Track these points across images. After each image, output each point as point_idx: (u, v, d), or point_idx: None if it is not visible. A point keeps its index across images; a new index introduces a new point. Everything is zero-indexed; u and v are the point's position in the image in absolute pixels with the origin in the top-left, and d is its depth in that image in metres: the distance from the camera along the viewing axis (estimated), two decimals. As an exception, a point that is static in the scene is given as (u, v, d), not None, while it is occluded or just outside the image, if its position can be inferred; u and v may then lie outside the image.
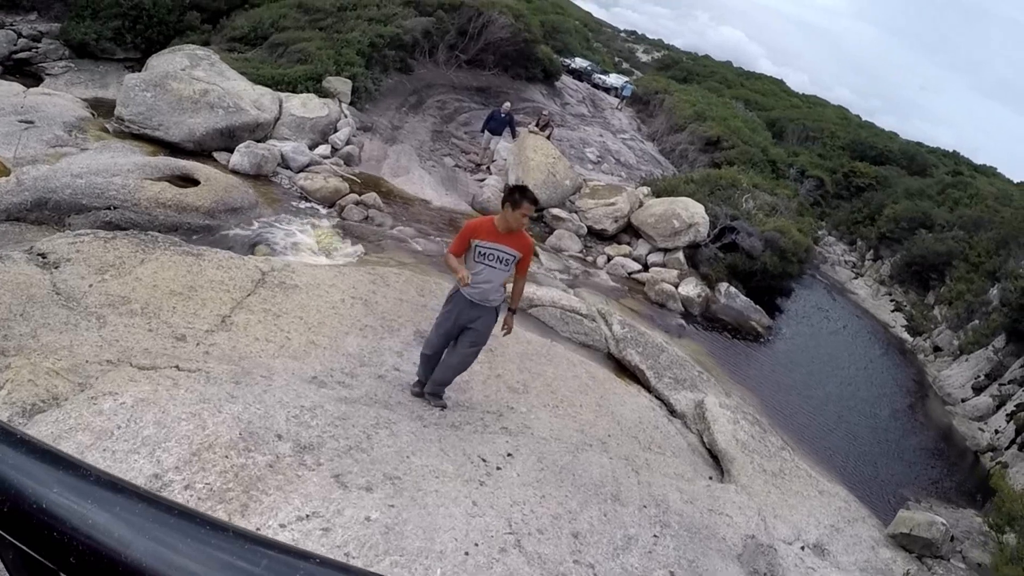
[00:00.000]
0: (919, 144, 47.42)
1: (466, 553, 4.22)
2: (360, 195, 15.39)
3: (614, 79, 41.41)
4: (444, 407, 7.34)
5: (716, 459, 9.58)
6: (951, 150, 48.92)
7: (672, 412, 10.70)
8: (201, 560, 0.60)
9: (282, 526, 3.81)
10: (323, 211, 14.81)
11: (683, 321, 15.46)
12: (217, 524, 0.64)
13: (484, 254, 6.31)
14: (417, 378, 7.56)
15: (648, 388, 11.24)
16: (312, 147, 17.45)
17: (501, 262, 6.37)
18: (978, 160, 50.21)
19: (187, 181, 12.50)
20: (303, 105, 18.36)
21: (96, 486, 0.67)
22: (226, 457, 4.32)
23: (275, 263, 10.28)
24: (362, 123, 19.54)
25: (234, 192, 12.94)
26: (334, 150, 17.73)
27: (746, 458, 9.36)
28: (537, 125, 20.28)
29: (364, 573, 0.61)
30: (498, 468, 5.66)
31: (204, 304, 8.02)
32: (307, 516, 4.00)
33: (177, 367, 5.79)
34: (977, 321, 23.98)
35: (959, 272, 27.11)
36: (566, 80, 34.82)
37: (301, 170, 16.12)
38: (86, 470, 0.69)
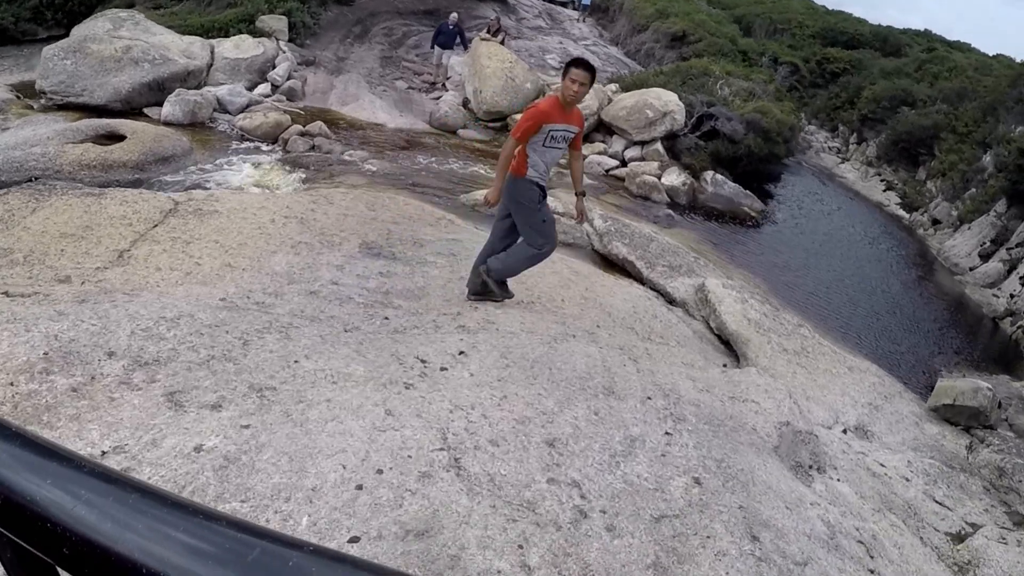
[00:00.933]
0: (890, 27, 45.39)
1: (358, 487, 2.65)
2: (304, 126, 13.80)
3: (571, -8, 39.46)
4: (511, 296, 6.82)
5: (728, 346, 8.11)
6: (923, 29, 47.32)
7: (671, 302, 9.22)
8: (192, 550, 0.58)
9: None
10: (265, 148, 13.30)
11: (671, 212, 13.90)
12: (210, 514, 0.61)
13: (555, 137, 5.95)
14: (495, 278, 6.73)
15: (641, 280, 9.75)
16: (251, 88, 15.94)
17: (565, 141, 6.07)
18: (951, 38, 48.30)
19: (114, 139, 11.38)
20: (236, 47, 16.68)
21: (89, 478, 0.65)
22: (10, 384, 2.80)
23: (194, 194, 8.73)
24: (303, 58, 17.83)
25: (164, 142, 11.68)
26: (275, 88, 16.14)
27: (762, 338, 7.88)
28: (488, 31, 18.51)
29: (359, 561, 0.57)
30: (442, 369, 4.12)
31: (99, 242, 6.70)
32: (104, 452, 2.49)
33: (6, 293, 4.25)
34: (974, 189, 22.75)
35: (948, 144, 25.90)
36: (518, -5, 32.93)
37: (241, 111, 14.53)
38: (79, 462, 0.67)
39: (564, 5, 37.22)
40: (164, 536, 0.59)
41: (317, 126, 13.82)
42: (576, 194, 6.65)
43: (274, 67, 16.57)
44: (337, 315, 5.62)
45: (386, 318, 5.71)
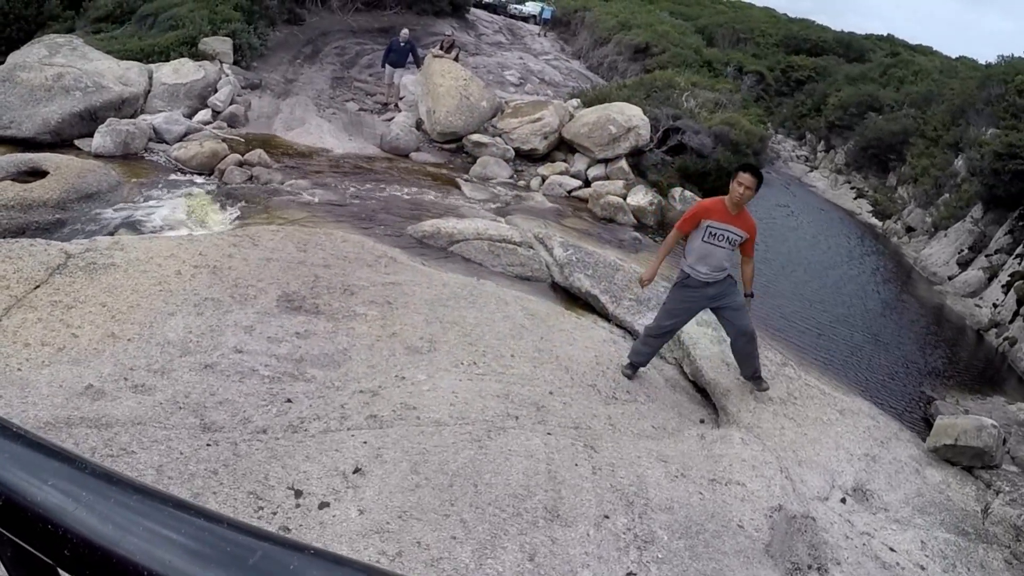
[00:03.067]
0: (852, 33, 44.83)
1: None
2: (243, 155, 12.65)
3: (531, 6, 38.46)
4: (767, 388, 6.96)
5: (705, 394, 7.06)
6: (886, 34, 46.77)
7: (639, 342, 8.16)
8: (194, 553, 0.57)
9: None
10: (200, 180, 12.12)
11: (638, 234, 12.80)
12: (212, 516, 0.60)
13: (714, 234, 6.25)
14: (629, 360, 6.85)
15: (607, 316, 8.69)
16: (191, 115, 14.70)
17: (729, 242, 6.28)
18: (913, 42, 47.76)
19: (38, 175, 10.31)
20: (175, 72, 15.48)
21: (91, 479, 0.64)
22: None
23: (98, 241, 7.58)
24: (249, 81, 16.66)
25: (89, 177, 10.53)
26: (216, 114, 14.92)
27: (744, 387, 6.82)
28: (441, 48, 17.43)
29: (359, 564, 0.56)
30: (323, 505, 3.02)
31: (-37, 311, 5.50)
32: None
33: None
34: (948, 195, 22.04)
35: (918, 149, 25.27)
36: (478, 12, 31.86)
37: (178, 140, 13.36)
38: (81, 462, 0.66)
39: (526, 20, 36.30)
40: (165, 539, 0.58)
41: (256, 154, 12.67)
42: (745, 294, 6.70)
43: (215, 91, 15.41)
44: (231, 399, 4.50)
45: (288, 401, 4.60)
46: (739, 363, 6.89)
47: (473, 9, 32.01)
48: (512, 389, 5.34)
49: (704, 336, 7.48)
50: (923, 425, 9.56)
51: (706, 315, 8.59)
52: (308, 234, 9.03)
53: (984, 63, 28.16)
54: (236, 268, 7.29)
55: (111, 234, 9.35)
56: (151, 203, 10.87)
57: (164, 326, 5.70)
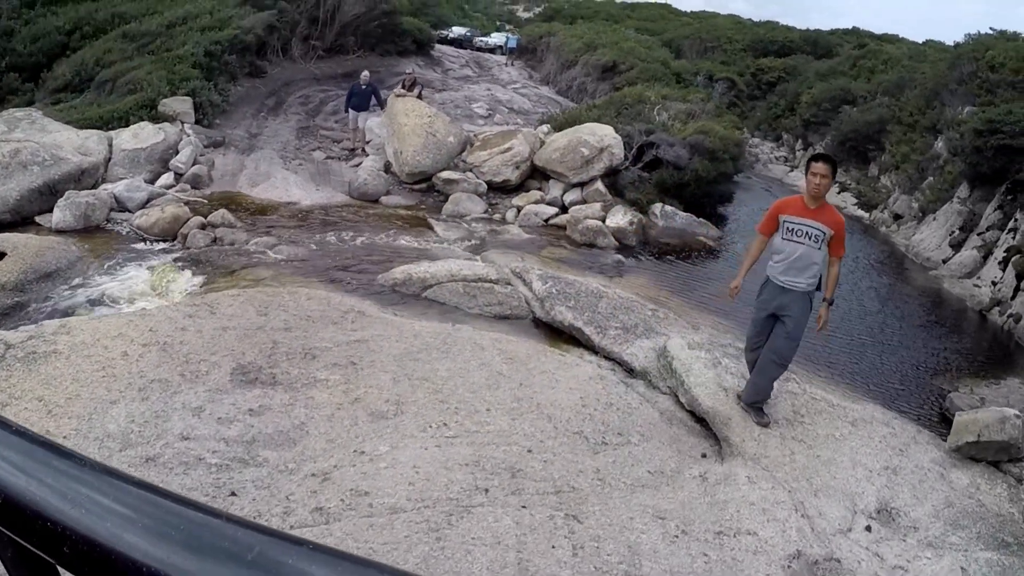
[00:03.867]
0: (818, 30, 44.62)
1: None
2: (206, 217, 12.13)
3: (496, 37, 38.22)
4: (767, 424, 6.24)
5: (704, 422, 6.47)
6: (851, 27, 46.55)
7: (631, 371, 7.58)
8: (194, 547, 0.57)
9: None
10: (163, 246, 11.59)
11: (620, 256, 12.24)
12: (210, 511, 0.60)
13: (792, 230, 5.90)
14: (750, 401, 6.42)
15: (593, 348, 8.11)
16: (153, 179, 14.19)
17: (811, 239, 5.85)
18: (879, 32, 47.53)
19: None
20: (134, 136, 15.01)
21: (89, 476, 0.64)
22: None
23: (44, 326, 7.01)
24: (211, 139, 16.18)
25: (48, 255, 10.09)
26: (178, 176, 14.41)
27: (747, 412, 6.23)
28: (403, 87, 16.97)
29: (357, 558, 0.55)
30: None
31: None
32: None
33: None
34: (931, 178, 21.60)
35: (896, 136, 24.95)
36: (444, 48, 31.53)
37: (141, 207, 12.84)
38: (80, 459, 0.66)
39: (492, 51, 36.00)
40: (164, 535, 0.57)
41: (220, 215, 12.16)
42: (824, 300, 6.17)
43: (177, 153, 14.91)
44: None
45: (233, 494, 4.03)
46: (749, 381, 6.40)
47: (438, 46, 31.72)
48: (484, 453, 4.75)
49: (697, 360, 6.90)
50: (940, 422, 8.98)
51: (695, 336, 8.03)
52: (271, 295, 8.50)
53: (953, 43, 27.75)
54: (189, 342, 6.76)
55: (71, 313, 8.87)
56: (112, 277, 10.35)
57: (104, 417, 5.15)
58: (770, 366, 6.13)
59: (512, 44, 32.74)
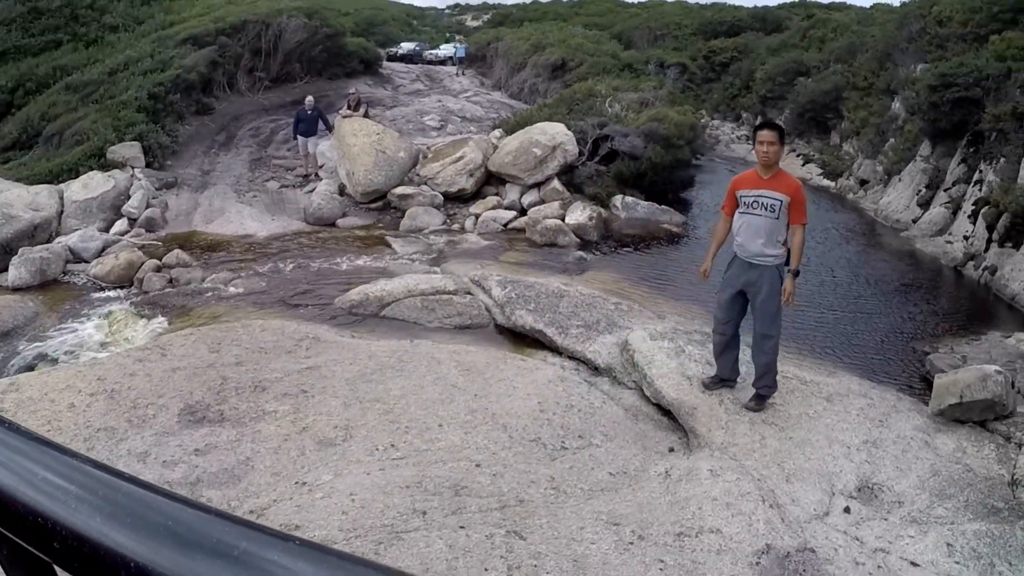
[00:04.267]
0: (766, 6, 44.62)
1: None
2: (161, 259, 11.83)
3: (446, 49, 37.98)
4: (757, 410, 6.05)
5: (671, 414, 6.18)
6: (798, 0, 46.59)
7: (596, 369, 7.31)
8: (182, 543, 0.57)
9: None
10: (119, 293, 11.31)
11: (582, 253, 11.94)
12: (199, 506, 0.60)
13: (748, 203, 5.77)
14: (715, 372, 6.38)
15: (556, 350, 7.83)
16: (107, 227, 13.91)
17: (766, 208, 5.66)
18: (826, 2, 47.52)
19: None
20: (84, 187, 14.70)
21: (80, 471, 0.64)
22: None
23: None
24: (163, 181, 15.86)
25: (4, 313, 10.04)
26: (132, 221, 14.10)
27: (711, 399, 5.95)
28: (348, 107, 16.68)
29: (343, 555, 0.55)
30: None
31: None
32: None
33: None
34: (893, 140, 21.50)
35: (853, 102, 24.93)
36: (393, 65, 31.23)
37: (97, 256, 12.56)
38: (72, 454, 0.66)
39: (443, 63, 35.76)
40: (153, 531, 0.57)
41: (174, 256, 11.85)
42: (789, 271, 5.80)
43: (129, 199, 14.59)
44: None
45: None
46: (756, 365, 6.18)
47: (388, 63, 31.44)
48: (429, 472, 4.45)
49: (659, 351, 6.63)
50: (923, 386, 8.70)
51: (658, 325, 7.76)
52: (224, 331, 8.19)
53: (899, 3, 27.76)
54: (137, 387, 6.49)
55: (31, 367, 8.68)
56: (70, 329, 10.10)
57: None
58: (759, 345, 5.99)
59: (461, 54, 32.38)
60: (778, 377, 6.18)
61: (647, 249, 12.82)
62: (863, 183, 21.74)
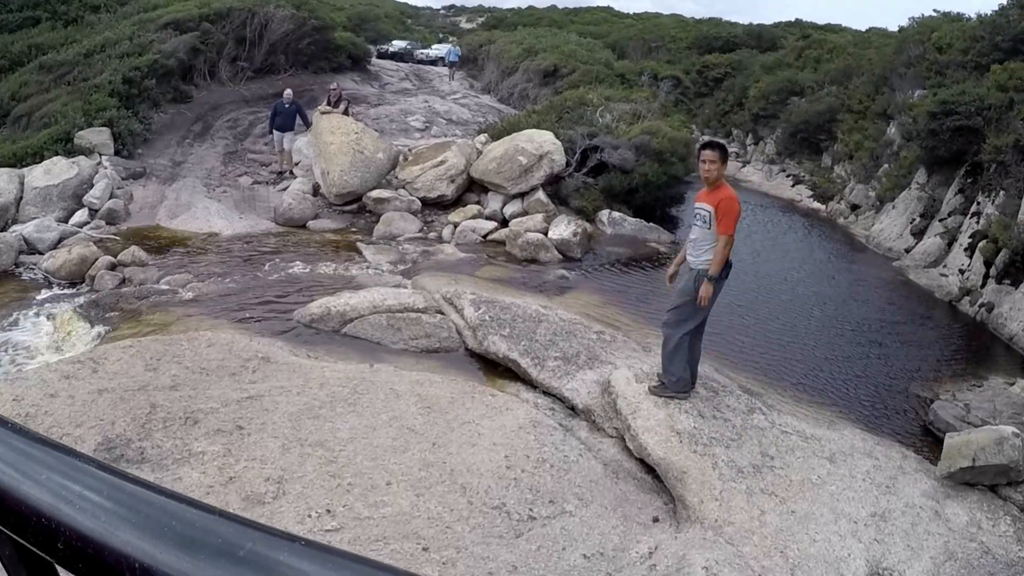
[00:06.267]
0: (761, 24, 44.01)
1: None
2: (116, 256, 10.95)
3: (437, 49, 37.06)
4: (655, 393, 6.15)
5: (657, 475, 5.38)
6: (794, 19, 46.03)
7: (573, 410, 6.52)
8: (187, 543, 0.55)
9: None
10: (69, 291, 10.43)
11: (564, 271, 11.09)
12: (203, 507, 0.59)
13: (694, 214, 6.22)
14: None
15: (532, 383, 7.03)
16: (67, 217, 12.97)
17: (701, 220, 6.04)
18: (822, 23, 47.01)
19: None
20: (46, 172, 13.72)
21: (83, 472, 0.63)
22: None
23: None
24: (131, 171, 14.91)
25: None
26: (93, 212, 13.16)
27: (704, 461, 5.15)
28: (329, 103, 15.82)
29: (348, 555, 0.54)
30: None
31: None
32: None
33: None
34: (887, 165, 20.95)
35: (847, 124, 24.42)
36: (383, 63, 30.30)
37: (53, 248, 11.68)
38: (75, 455, 0.65)
39: (434, 63, 34.84)
40: (157, 531, 0.56)
41: (131, 253, 10.95)
42: (707, 276, 5.94)
43: (92, 187, 13.66)
44: None
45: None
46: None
47: (378, 60, 30.52)
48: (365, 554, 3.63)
49: (645, 398, 5.83)
50: (925, 438, 8.03)
51: (644, 364, 6.98)
52: (167, 344, 7.33)
53: (897, 28, 27.27)
54: (56, 411, 5.67)
55: None
56: (15, 328, 9.23)
57: None
58: (664, 341, 6.33)
59: (453, 58, 31.06)
60: (775, 433, 5.42)
61: (633, 269, 12.01)
62: (854, 208, 21.15)
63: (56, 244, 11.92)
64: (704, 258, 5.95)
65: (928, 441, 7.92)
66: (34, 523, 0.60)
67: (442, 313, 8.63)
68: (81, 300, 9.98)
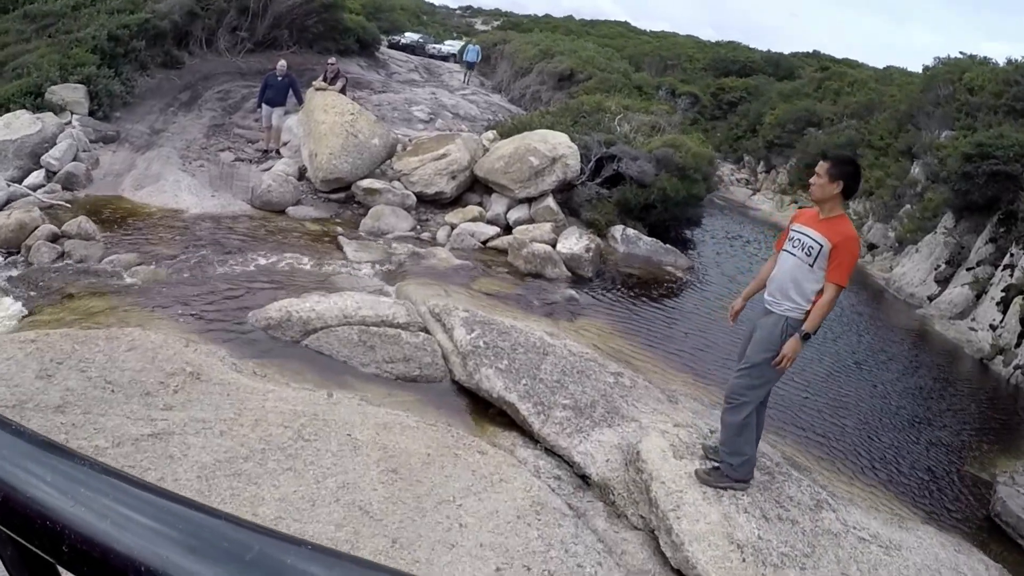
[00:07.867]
0: (780, 52, 42.57)
1: None
2: (62, 226, 9.31)
3: (450, 45, 35.48)
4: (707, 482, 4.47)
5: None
6: (811, 50, 44.53)
7: (584, 479, 4.91)
8: (193, 547, 0.55)
9: None
10: (2, 262, 8.80)
11: (573, 292, 9.40)
12: (209, 511, 0.58)
13: (791, 238, 4.56)
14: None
15: (533, 436, 5.41)
16: (21, 177, 11.31)
17: (802, 249, 4.41)
18: (839, 57, 45.63)
19: None
20: (6, 126, 12.05)
21: (89, 475, 0.62)
22: None
23: None
24: (102, 134, 13.25)
25: None
26: (51, 175, 11.50)
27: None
28: (325, 79, 14.19)
29: (355, 559, 0.53)
30: None
31: None
32: None
33: None
34: (909, 206, 19.49)
35: (867, 160, 23.04)
36: (393, 52, 28.66)
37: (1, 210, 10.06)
38: (80, 459, 0.64)
39: (445, 59, 33.19)
40: (163, 534, 0.56)
41: (77, 224, 9.29)
42: (801, 333, 4.36)
43: (53, 147, 12.00)
44: None
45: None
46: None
47: (387, 49, 28.86)
48: None
49: (691, 485, 4.21)
50: (993, 534, 6.59)
51: (681, 429, 5.35)
52: (80, 341, 5.66)
53: (922, 68, 25.90)
54: None
55: None
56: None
57: None
58: (727, 395, 4.69)
59: (471, 57, 28.10)
60: (852, 540, 3.84)
61: (649, 295, 10.36)
62: (871, 247, 19.75)
63: (3, 207, 10.31)
64: (796, 303, 4.44)
65: (996, 536, 6.56)
66: (38, 525, 0.58)
67: (427, 331, 7.00)
68: (10, 273, 8.36)
